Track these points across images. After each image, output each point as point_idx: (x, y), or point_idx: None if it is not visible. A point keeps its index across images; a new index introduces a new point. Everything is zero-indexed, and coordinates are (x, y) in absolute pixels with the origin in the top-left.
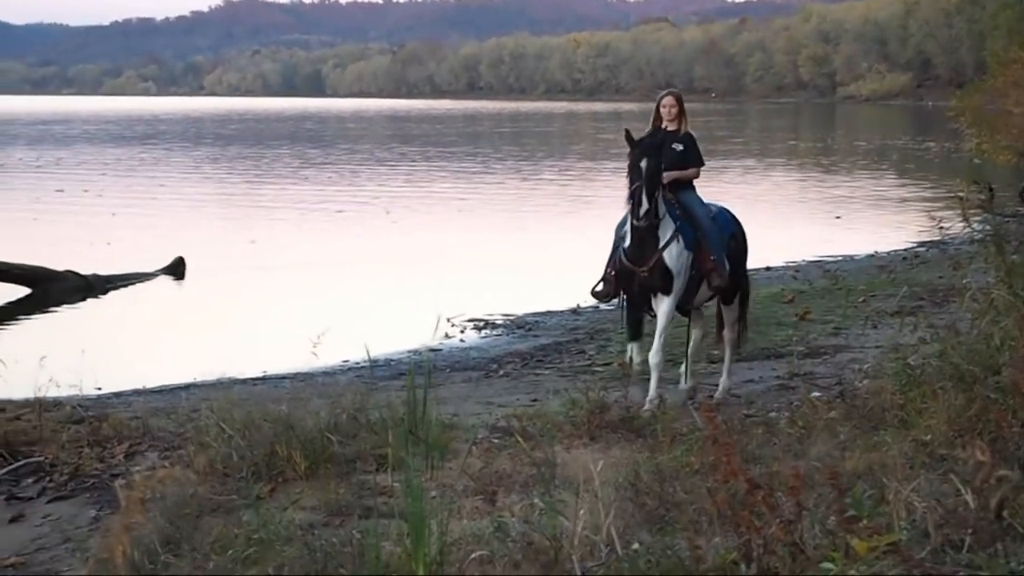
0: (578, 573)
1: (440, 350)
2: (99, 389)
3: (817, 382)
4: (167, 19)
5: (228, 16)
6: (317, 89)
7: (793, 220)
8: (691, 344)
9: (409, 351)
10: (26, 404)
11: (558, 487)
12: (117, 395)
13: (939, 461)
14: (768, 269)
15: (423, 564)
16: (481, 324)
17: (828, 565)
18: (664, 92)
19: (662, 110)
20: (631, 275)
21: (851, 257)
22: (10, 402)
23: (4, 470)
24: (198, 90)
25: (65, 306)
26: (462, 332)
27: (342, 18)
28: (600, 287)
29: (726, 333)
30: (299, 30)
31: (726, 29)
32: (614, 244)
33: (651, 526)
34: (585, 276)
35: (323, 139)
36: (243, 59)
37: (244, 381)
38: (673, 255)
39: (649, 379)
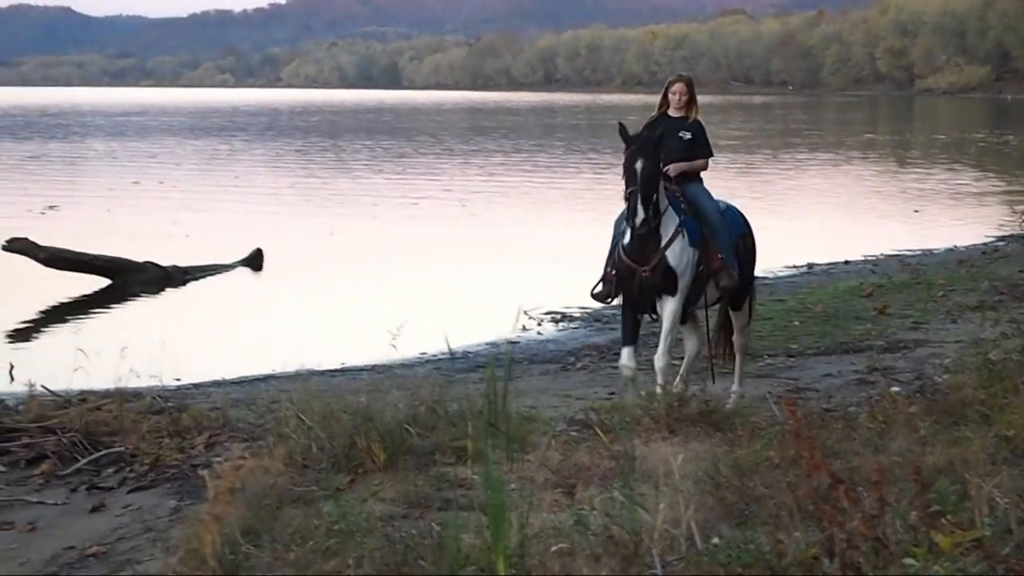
0: (658, 566)
1: (518, 343)
2: (178, 380)
3: (897, 377)
4: (245, 11)
5: (305, 8)
6: (393, 81)
7: (871, 214)
8: (686, 360)
9: (487, 343)
10: (107, 394)
11: (637, 480)
12: (196, 386)
13: (1021, 457)
14: (847, 263)
15: (503, 557)
16: (558, 317)
17: (911, 561)
18: (674, 77)
19: (671, 96)
20: (632, 274)
21: (930, 251)
22: (91, 392)
23: (85, 460)
24: (275, 82)
25: (145, 297)
26: (539, 325)
27: (419, 10)
28: (599, 287)
29: (735, 339)
30: (376, 22)
31: (803, 21)
32: (613, 240)
33: (731, 520)
34: None
35: (399, 131)
36: (320, 51)
37: (322, 373)
38: (676, 253)
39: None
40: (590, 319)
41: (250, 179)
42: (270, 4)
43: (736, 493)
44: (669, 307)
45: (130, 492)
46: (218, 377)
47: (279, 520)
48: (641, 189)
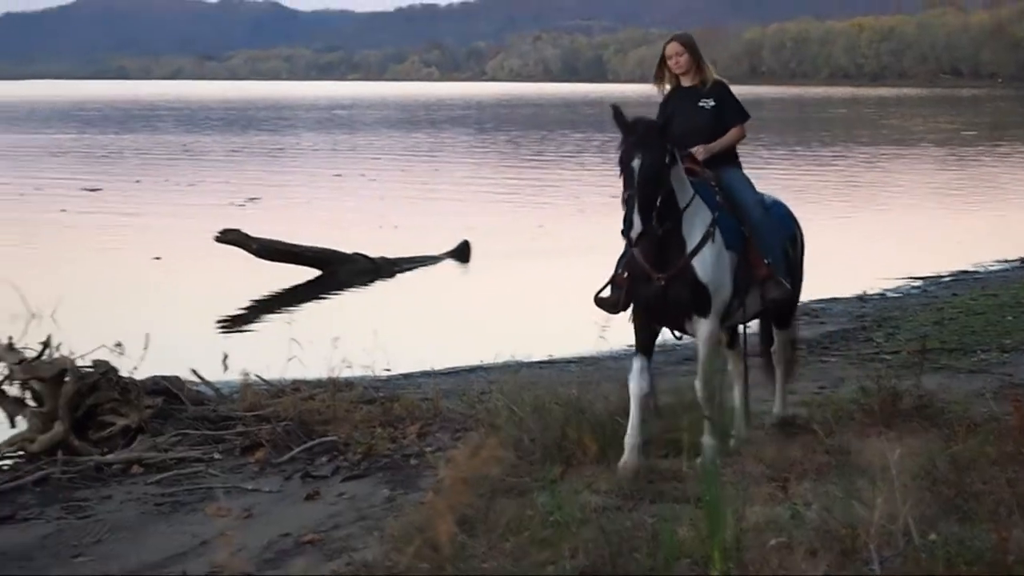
0: (875, 562)
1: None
2: (389, 370)
3: None
4: (450, 5)
5: (510, 2)
6: (598, 74)
7: None
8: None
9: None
10: (319, 384)
11: (852, 475)
12: (407, 376)
13: None
14: None
15: (719, 550)
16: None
17: None
18: (667, 39)
19: (668, 62)
20: (646, 280)
21: None
22: (304, 382)
23: (299, 448)
24: (480, 75)
25: (355, 288)
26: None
27: (623, 3)
28: (607, 293)
29: (777, 351)
30: (580, 16)
31: (1014, 12)
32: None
33: (948, 516)
34: (870, 263)
35: (605, 124)
36: (525, 44)
37: (531, 364)
38: (707, 262)
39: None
40: (799, 313)
41: (456, 172)
42: None
43: (953, 489)
44: (703, 331)
45: (344, 481)
46: (428, 368)
47: (492, 510)
48: (640, 193)
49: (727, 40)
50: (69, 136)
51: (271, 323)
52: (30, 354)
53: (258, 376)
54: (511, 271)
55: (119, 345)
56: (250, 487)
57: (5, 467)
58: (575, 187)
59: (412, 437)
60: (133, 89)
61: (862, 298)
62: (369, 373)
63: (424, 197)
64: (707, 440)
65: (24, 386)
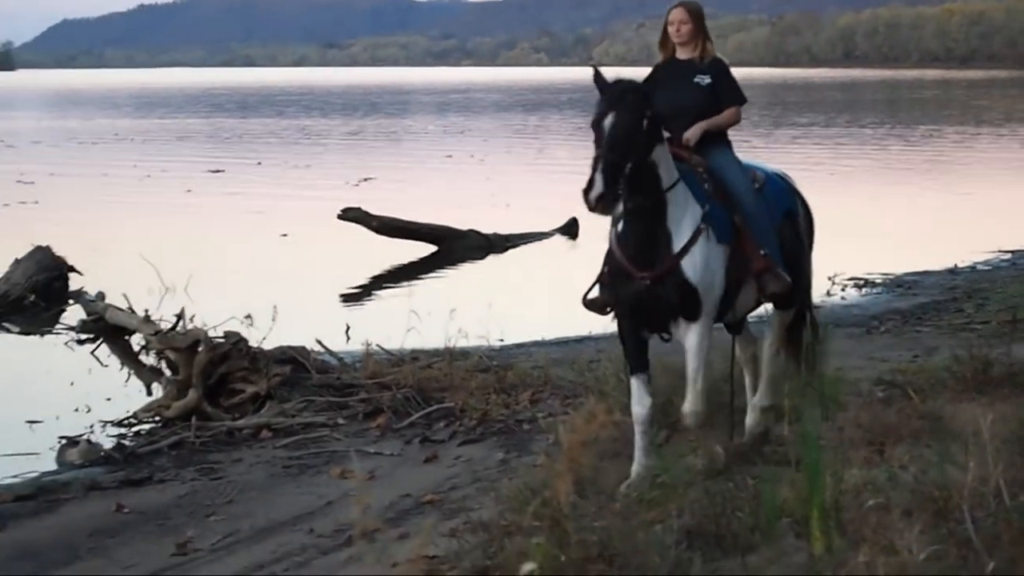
0: (968, 522)
1: (821, 307)
2: (502, 340)
3: None
4: None
5: None
6: None
7: None
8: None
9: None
10: (437, 353)
11: (945, 439)
12: (519, 346)
13: None
14: None
15: (819, 510)
16: (861, 283)
17: None
18: (672, 4)
19: (669, 28)
20: (627, 279)
21: None
22: (422, 351)
23: (418, 414)
24: (587, 60)
25: (469, 263)
26: (843, 290)
27: None
28: (595, 293)
29: (773, 335)
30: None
31: None
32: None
33: None
34: (960, 238)
35: None
36: (629, 31)
37: None
38: (698, 261)
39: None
40: (892, 285)
41: (555, 153)
42: None
43: None
44: (692, 339)
45: (460, 445)
46: (539, 338)
47: (600, 472)
48: (607, 153)
49: (823, 25)
50: (196, 120)
51: (391, 296)
52: (165, 326)
53: (379, 346)
54: None
55: (248, 317)
56: (372, 451)
57: (143, 432)
58: None
59: (524, 403)
60: (259, 76)
61: (953, 271)
62: (484, 343)
63: (533, 177)
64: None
65: (160, 356)
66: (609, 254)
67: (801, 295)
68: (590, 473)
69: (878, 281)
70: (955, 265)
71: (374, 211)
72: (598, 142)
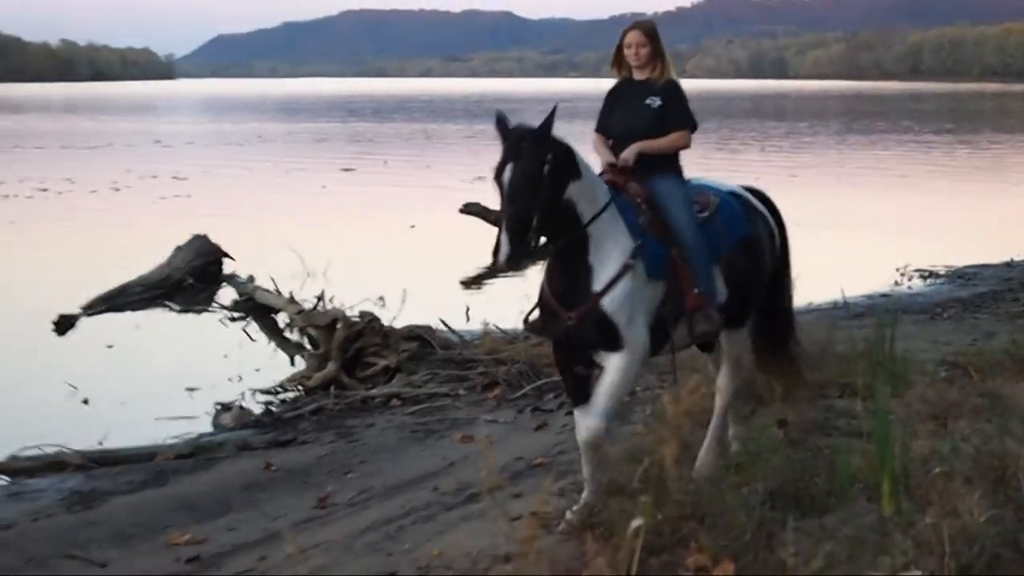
0: None
1: (890, 295)
2: None
3: None
4: (656, 13)
5: (707, 11)
6: (780, 72)
7: None
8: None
9: (863, 295)
10: None
11: (1003, 415)
12: None
13: None
14: None
15: (889, 477)
16: (925, 274)
17: None
18: (628, 25)
19: (627, 52)
20: (555, 317)
21: None
22: None
23: (529, 387)
24: (680, 73)
25: None
26: (909, 280)
27: (803, 11)
28: (536, 315)
29: (722, 376)
30: (766, 22)
31: None
32: None
33: None
34: (1017, 233)
35: (787, 114)
36: (718, 47)
37: None
38: (617, 299)
39: (600, 462)
40: (953, 276)
41: None
42: (677, 8)
43: None
44: (613, 363)
45: (567, 414)
46: None
47: (694, 440)
48: (508, 209)
49: (894, 42)
50: (332, 125)
51: (506, 281)
52: (307, 306)
53: (495, 325)
54: None
55: (381, 299)
56: (489, 418)
57: (287, 399)
58: (761, 166)
59: None
60: (389, 86)
61: (1010, 264)
62: None
63: None
64: (587, 495)
65: (302, 332)
66: (540, 290)
67: (748, 315)
68: (688, 441)
69: (941, 272)
70: (1011, 259)
71: (491, 205)
72: (500, 198)
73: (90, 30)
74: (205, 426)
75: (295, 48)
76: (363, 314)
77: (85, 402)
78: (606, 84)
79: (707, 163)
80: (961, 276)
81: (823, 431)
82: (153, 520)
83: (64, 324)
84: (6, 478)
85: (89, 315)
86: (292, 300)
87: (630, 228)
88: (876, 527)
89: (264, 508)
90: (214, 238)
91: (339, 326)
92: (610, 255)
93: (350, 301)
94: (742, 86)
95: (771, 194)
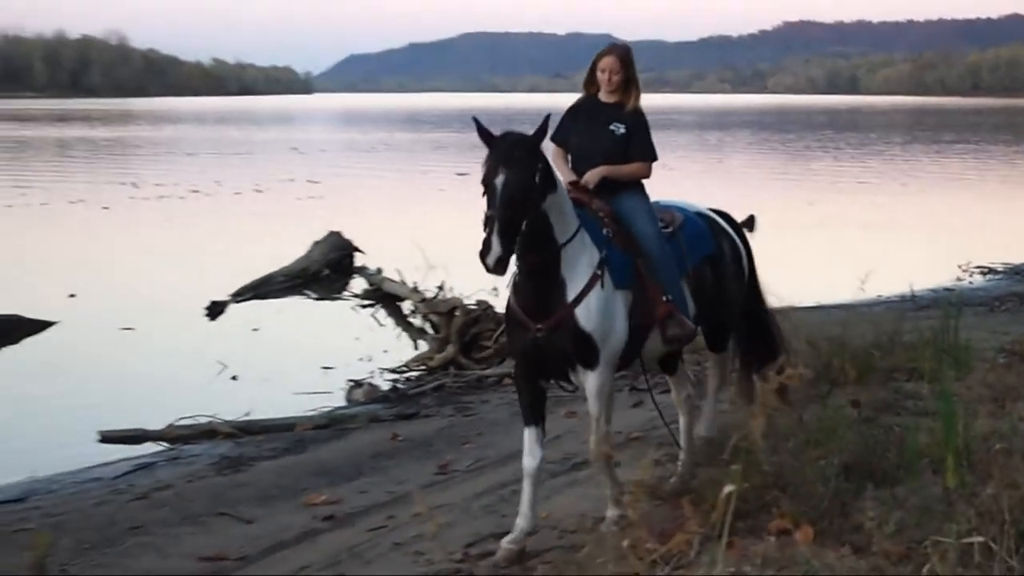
0: None
1: (953, 289)
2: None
3: None
4: (740, 36)
5: (787, 33)
6: (852, 89)
7: None
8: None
9: (928, 289)
10: None
11: None
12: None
13: None
14: None
15: (953, 452)
16: (986, 270)
17: None
18: (605, 48)
19: (599, 75)
20: (523, 330)
21: None
22: None
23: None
24: (762, 90)
25: None
26: (970, 276)
27: (874, 34)
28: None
29: (712, 370)
30: (840, 44)
31: None
32: None
33: None
34: None
35: (860, 126)
36: (796, 66)
37: (804, 308)
38: (592, 310)
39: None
40: (1011, 272)
41: (732, 161)
42: (760, 31)
43: None
44: (592, 383)
45: (660, 393)
46: None
47: (781, 416)
48: (500, 214)
49: (955, 62)
50: (450, 135)
51: None
52: (429, 295)
53: None
54: (789, 237)
55: (495, 289)
56: None
57: (412, 378)
58: (828, 175)
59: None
60: (501, 100)
61: None
62: None
63: (715, 181)
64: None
65: (425, 318)
66: (507, 304)
67: (727, 335)
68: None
69: (1000, 269)
70: None
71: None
72: (491, 202)
73: (239, 50)
74: (339, 400)
75: (419, 66)
76: (479, 302)
77: (234, 378)
78: (695, 99)
79: (783, 175)
80: (1018, 272)
81: (893, 411)
82: (293, 483)
83: (215, 310)
84: (165, 444)
85: (237, 302)
86: (415, 290)
87: (595, 240)
88: (941, 498)
89: (391, 473)
90: (346, 234)
91: (457, 313)
92: (580, 266)
93: (467, 291)
94: (818, 101)
95: (842, 198)
